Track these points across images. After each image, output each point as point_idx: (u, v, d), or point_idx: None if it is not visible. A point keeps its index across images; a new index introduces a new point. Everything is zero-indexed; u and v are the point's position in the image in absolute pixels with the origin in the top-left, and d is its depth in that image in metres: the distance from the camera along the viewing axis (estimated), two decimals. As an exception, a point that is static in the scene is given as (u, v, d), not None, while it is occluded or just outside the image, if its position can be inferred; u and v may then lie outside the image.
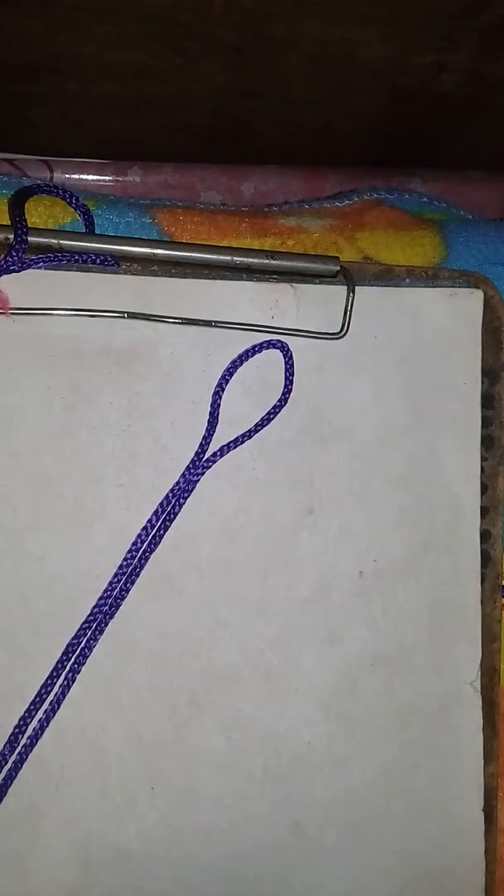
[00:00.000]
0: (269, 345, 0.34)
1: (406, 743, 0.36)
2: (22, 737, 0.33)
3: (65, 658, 0.33)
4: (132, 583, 0.33)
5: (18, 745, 0.33)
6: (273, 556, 0.35)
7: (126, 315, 0.33)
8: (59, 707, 0.33)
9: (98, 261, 0.33)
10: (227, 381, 0.34)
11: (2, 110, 0.41)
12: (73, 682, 0.33)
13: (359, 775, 0.35)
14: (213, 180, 0.45)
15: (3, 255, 0.32)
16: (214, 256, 0.33)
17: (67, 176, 0.44)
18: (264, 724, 0.35)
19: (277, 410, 0.34)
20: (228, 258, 0.34)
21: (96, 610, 0.33)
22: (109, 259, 0.33)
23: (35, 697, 0.33)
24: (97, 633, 0.33)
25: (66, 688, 0.33)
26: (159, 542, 0.33)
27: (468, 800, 0.36)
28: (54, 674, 0.33)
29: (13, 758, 0.33)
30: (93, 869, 0.33)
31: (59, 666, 0.33)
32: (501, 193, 0.46)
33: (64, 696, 0.33)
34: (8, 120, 0.42)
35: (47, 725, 0.33)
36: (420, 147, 0.45)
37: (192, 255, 0.33)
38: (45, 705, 0.33)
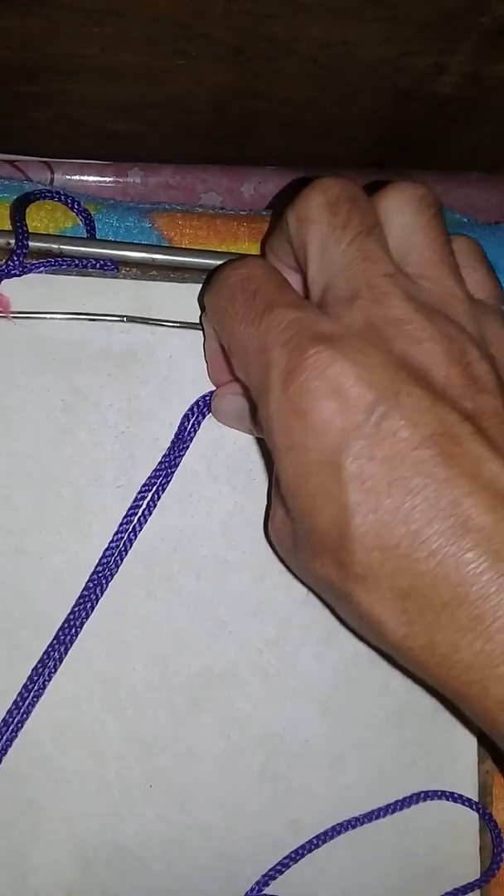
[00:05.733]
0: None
1: (402, 741, 0.36)
2: (6, 730, 0.33)
3: (51, 650, 0.33)
4: (113, 572, 0.33)
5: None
6: (271, 555, 0.35)
7: (125, 319, 0.34)
8: (36, 701, 0.33)
9: (98, 265, 0.33)
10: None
11: (2, 110, 0.41)
12: (55, 671, 0.33)
13: (356, 773, 0.36)
14: (213, 181, 0.45)
15: (4, 260, 0.32)
16: (212, 262, 0.34)
17: (68, 177, 0.44)
18: (262, 723, 0.35)
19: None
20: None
21: (80, 599, 0.33)
22: (109, 264, 0.33)
23: (21, 689, 0.33)
24: (79, 620, 0.33)
25: (45, 679, 0.33)
26: (134, 540, 0.34)
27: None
28: (39, 665, 0.33)
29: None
30: (91, 867, 0.34)
31: (45, 657, 0.33)
32: (500, 195, 0.46)
33: (45, 687, 0.33)
34: (8, 120, 0.42)
35: (27, 718, 0.33)
36: (419, 149, 0.45)
37: (191, 260, 0.34)
38: (29, 699, 0.33)
